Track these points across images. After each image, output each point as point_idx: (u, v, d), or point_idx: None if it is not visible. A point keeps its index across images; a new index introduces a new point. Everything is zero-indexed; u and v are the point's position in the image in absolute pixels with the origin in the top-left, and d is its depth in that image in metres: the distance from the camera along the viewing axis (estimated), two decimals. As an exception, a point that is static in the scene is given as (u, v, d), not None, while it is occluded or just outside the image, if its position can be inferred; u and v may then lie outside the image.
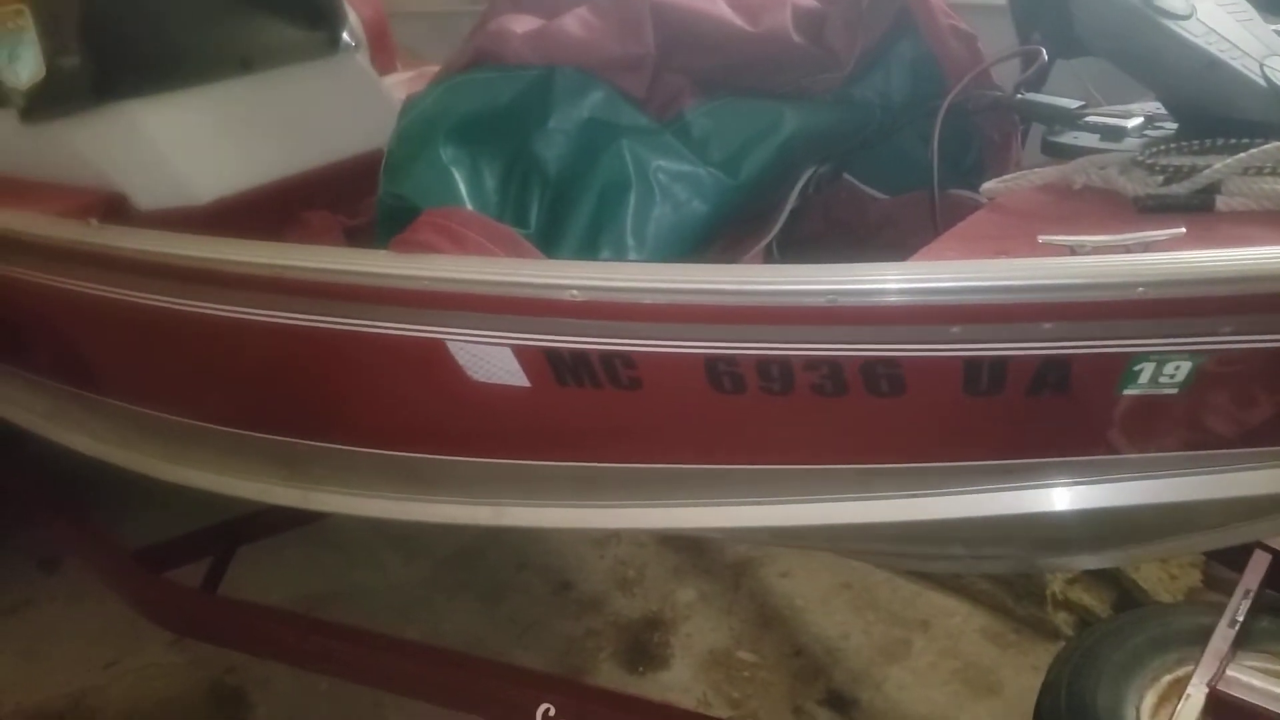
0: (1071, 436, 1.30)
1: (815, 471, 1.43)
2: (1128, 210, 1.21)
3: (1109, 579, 2.78)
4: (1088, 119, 1.43)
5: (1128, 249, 1.06)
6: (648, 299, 1.18)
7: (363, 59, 2.33)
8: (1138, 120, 1.38)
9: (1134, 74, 1.30)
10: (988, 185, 1.35)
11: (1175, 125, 1.35)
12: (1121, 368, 1.15)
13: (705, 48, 1.50)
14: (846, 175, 1.73)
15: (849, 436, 1.36)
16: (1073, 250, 1.07)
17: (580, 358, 1.30)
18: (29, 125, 1.90)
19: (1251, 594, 1.91)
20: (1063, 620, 2.74)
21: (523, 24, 1.49)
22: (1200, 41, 1.24)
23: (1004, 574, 2.69)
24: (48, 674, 2.89)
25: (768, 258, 1.67)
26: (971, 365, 1.17)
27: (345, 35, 2.26)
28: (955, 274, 1.07)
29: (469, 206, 1.38)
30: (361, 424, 1.71)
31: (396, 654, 1.94)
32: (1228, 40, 1.26)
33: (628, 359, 1.28)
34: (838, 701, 2.62)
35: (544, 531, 1.84)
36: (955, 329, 1.12)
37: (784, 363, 1.23)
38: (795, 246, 1.73)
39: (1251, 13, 1.36)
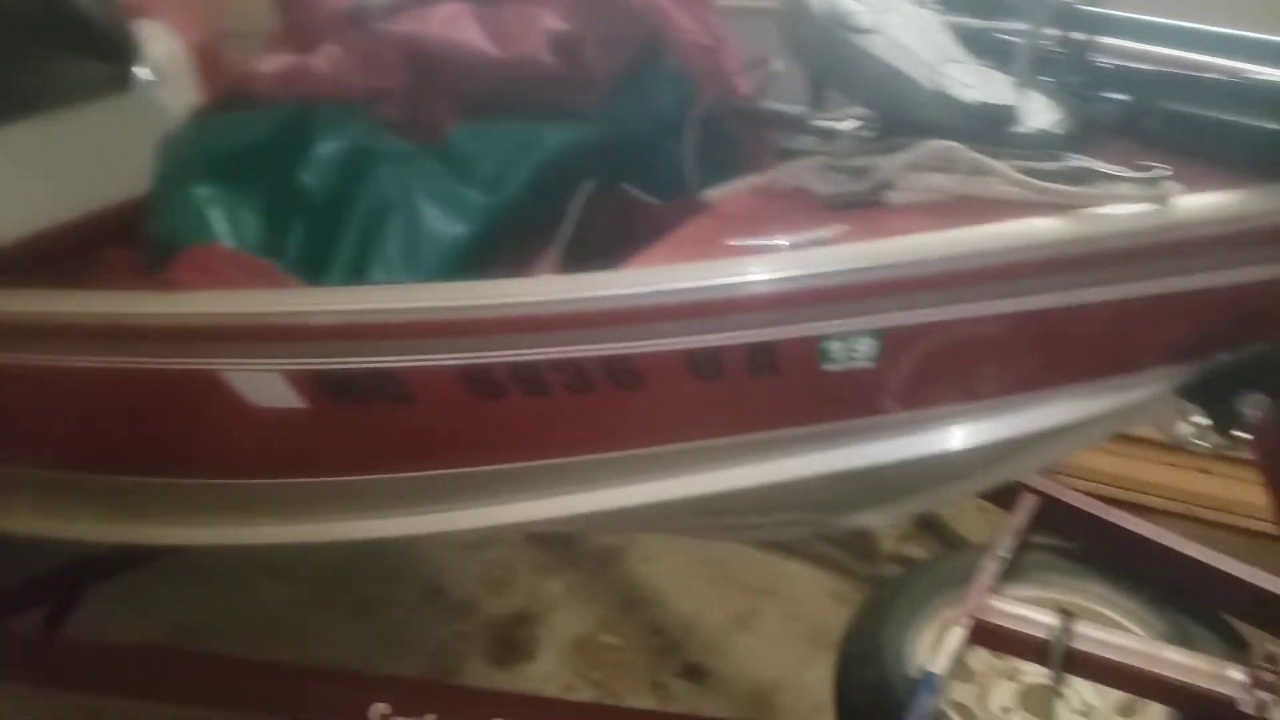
0: (805, 408, 1.45)
1: (594, 461, 1.54)
2: (820, 209, 1.35)
3: (935, 530, 3.00)
4: (810, 124, 1.58)
5: (800, 246, 1.20)
6: (386, 318, 1.28)
7: (163, 93, 2.34)
8: (851, 124, 1.53)
9: (829, 83, 1.45)
10: (709, 192, 1.48)
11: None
12: (815, 348, 1.29)
13: (459, 74, 1.60)
14: (625, 185, 1.85)
15: (615, 427, 1.48)
16: (757, 250, 1.21)
17: (347, 377, 1.39)
18: None
19: (1020, 532, 2.12)
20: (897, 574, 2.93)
21: (272, 63, 1.56)
22: (880, 52, 1.40)
23: (810, 536, 2.87)
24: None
25: (562, 268, 1.78)
26: (692, 355, 1.30)
27: (141, 71, 2.28)
28: (644, 280, 1.20)
29: (227, 243, 1.45)
30: (174, 457, 1.76)
31: (231, 673, 2.00)
32: (905, 50, 1.41)
33: (390, 375, 1.38)
34: (692, 672, 2.77)
35: (368, 544, 1.91)
36: (667, 326, 1.25)
37: (532, 367, 1.35)
38: (585, 254, 1.84)
39: (933, 21, 1.52)
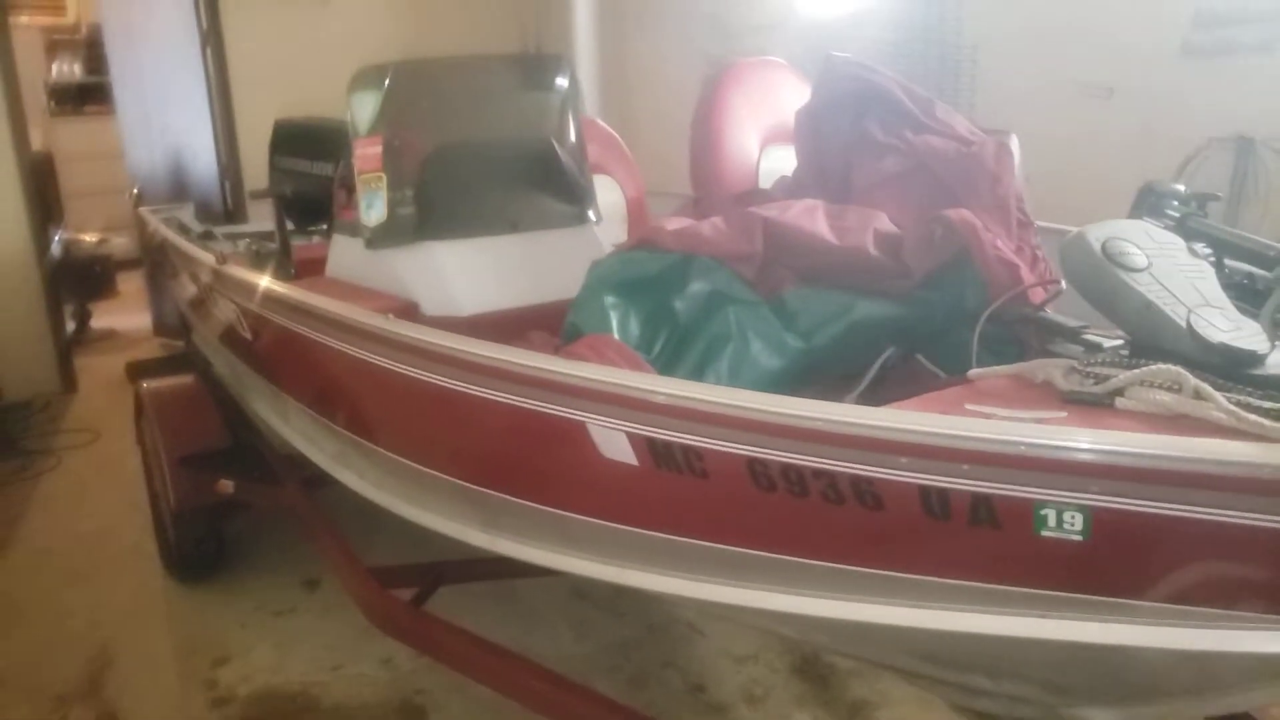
0: (1024, 570, 1.68)
1: (831, 570, 1.88)
2: (1056, 400, 1.64)
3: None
4: (1080, 336, 1.87)
5: (1022, 419, 1.51)
6: (704, 407, 1.75)
7: (600, 230, 3.12)
8: (1116, 342, 1.80)
9: (1095, 306, 1.75)
10: (973, 371, 1.81)
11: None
12: (1031, 511, 1.56)
13: (800, 251, 2.10)
14: (919, 357, 2.22)
15: (853, 542, 1.82)
16: (987, 416, 1.54)
17: (666, 447, 1.88)
18: (371, 251, 2.82)
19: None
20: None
21: (674, 224, 2.17)
22: (1142, 289, 1.68)
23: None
24: (291, 663, 3.75)
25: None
26: (923, 491, 1.63)
27: (591, 212, 3.06)
28: (888, 419, 1.57)
29: (615, 336, 2.03)
30: (533, 485, 2.36)
31: (532, 675, 2.51)
32: (1168, 290, 1.68)
33: (697, 452, 1.84)
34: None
35: (657, 596, 2.32)
36: (902, 460, 1.59)
37: (798, 470, 1.73)
38: (876, 403, 2.22)
39: (1206, 272, 1.77)
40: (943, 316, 2.14)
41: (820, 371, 2.15)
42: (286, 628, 4.06)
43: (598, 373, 1.89)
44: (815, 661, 3.73)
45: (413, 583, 3.13)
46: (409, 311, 2.65)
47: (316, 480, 3.64)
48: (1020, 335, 2.09)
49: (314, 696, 3.59)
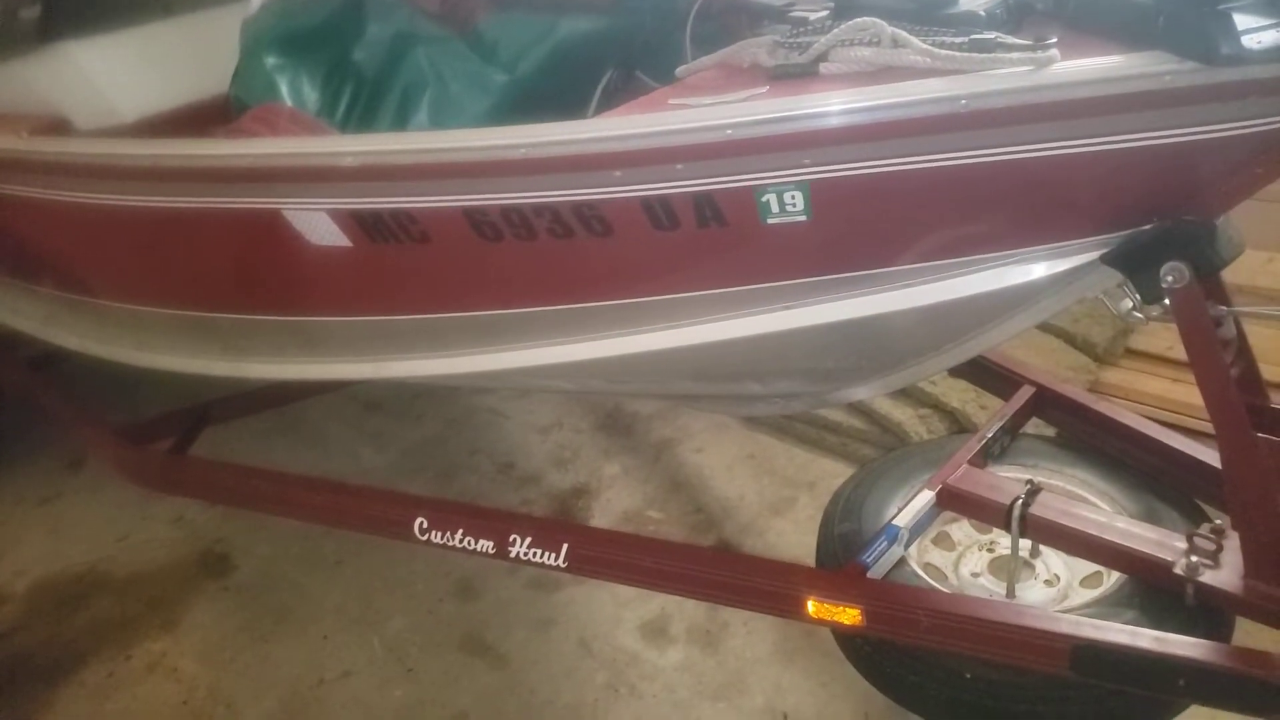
0: (756, 264, 1.65)
1: (580, 311, 1.79)
2: (763, 79, 1.54)
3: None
4: (789, 14, 1.76)
5: (725, 103, 1.41)
6: (395, 160, 1.55)
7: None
8: (822, 13, 1.71)
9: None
10: (680, 69, 1.69)
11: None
12: (753, 200, 1.49)
13: None
14: (639, 74, 2.07)
15: (595, 275, 1.72)
16: (687, 106, 1.43)
17: (374, 217, 1.68)
18: (-7, 67, 2.34)
19: (1010, 418, 2.26)
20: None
21: (332, -41, 1.87)
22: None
23: (803, 411, 3.02)
24: (70, 546, 3.43)
25: None
26: (645, 203, 1.53)
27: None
28: (588, 130, 1.43)
29: (287, 103, 1.76)
30: (255, 296, 2.12)
31: (309, 489, 2.38)
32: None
33: (409, 215, 1.65)
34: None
35: (418, 381, 2.18)
36: (616, 173, 1.48)
37: (518, 210, 1.59)
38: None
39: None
40: (653, 21, 1.99)
41: (537, 105, 1.96)
42: (56, 513, 3.70)
43: (272, 146, 1.64)
44: (618, 414, 3.79)
45: (170, 432, 2.87)
46: (60, 130, 2.24)
47: (50, 355, 3.22)
48: (733, 27, 1.97)
49: (104, 572, 3.33)
